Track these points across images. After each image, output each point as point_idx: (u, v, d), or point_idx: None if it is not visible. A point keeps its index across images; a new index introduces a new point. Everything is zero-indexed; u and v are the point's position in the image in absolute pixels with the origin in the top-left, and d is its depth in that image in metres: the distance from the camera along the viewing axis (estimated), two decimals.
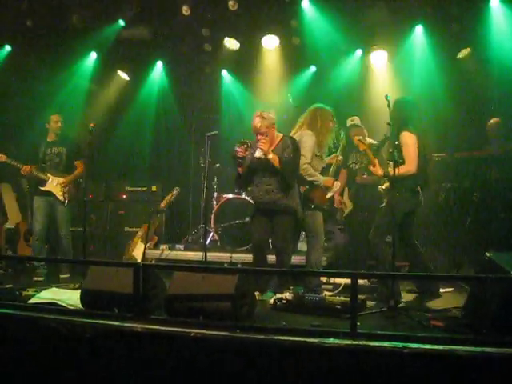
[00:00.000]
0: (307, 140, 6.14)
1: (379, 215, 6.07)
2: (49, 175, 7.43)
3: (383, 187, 6.15)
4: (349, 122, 7.63)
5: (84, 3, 8.33)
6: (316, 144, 6.20)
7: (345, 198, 7.86)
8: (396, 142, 5.68)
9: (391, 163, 5.56)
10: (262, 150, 5.81)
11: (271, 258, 6.39)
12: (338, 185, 6.45)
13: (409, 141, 5.85)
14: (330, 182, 6.31)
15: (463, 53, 8.52)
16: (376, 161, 5.98)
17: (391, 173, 5.60)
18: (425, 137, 6.02)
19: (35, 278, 7.19)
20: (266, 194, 6.03)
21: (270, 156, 5.83)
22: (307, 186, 6.20)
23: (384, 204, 6.20)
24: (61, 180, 7.43)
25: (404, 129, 5.89)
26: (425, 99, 7.61)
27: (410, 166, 5.80)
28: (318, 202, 6.20)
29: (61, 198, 7.39)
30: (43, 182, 7.42)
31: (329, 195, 6.33)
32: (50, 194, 7.42)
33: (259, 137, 5.90)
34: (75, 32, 8.61)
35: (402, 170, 5.75)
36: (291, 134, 6.30)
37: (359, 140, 6.17)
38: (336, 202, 7.75)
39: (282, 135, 6.16)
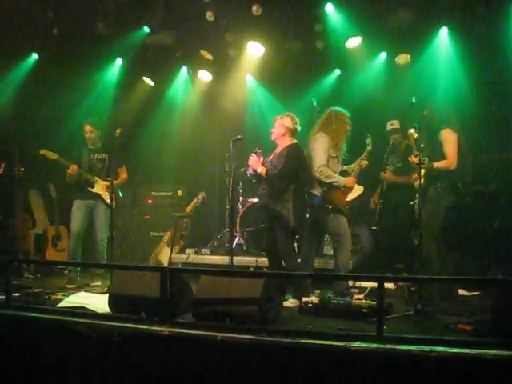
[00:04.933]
0: (319, 142, 6.20)
1: (424, 214, 5.96)
2: (96, 178, 7.53)
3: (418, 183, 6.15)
4: (388, 127, 7.65)
5: (109, 10, 8.40)
6: (330, 146, 6.19)
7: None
8: (422, 145, 5.70)
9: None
10: (250, 166, 6.39)
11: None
12: (360, 189, 6.41)
13: (450, 137, 6.03)
14: (351, 182, 6.26)
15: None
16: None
17: (432, 166, 5.87)
18: (463, 136, 6.09)
19: (68, 285, 7.25)
20: (260, 197, 6.44)
21: (259, 170, 6.20)
22: (325, 188, 6.14)
23: (416, 201, 6.23)
24: (106, 184, 7.50)
25: (445, 126, 6.06)
26: (450, 102, 7.55)
27: (450, 162, 5.95)
28: (337, 204, 6.14)
29: (108, 200, 7.41)
30: (91, 184, 7.51)
31: (349, 198, 6.29)
32: (95, 197, 7.52)
33: (251, 155, 6.33)
34: (101, 39, 8.68)
35: (442, 164, 5.92)
36: (309, 138, 6.41)
37: (411, 133, 6.10)
38: (371, 204, 7.79)
39: (289, 144, 6.29)
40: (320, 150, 6.14)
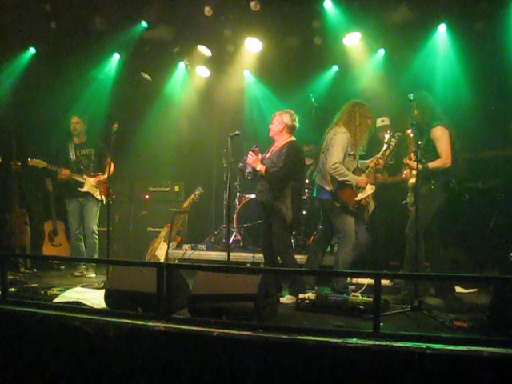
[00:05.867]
0: (339, 138, 6.04)
1: (415, 210, 5.92)
2: (85, 177, 7.58)
3: (410, 182, 6.13)
4: (379, 123, 7.57)
5: (107, 5, 8.37)
6: (350, 142, 6.06)
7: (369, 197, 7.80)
8: (420, 142, 5.66)
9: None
10: (249, 165, 6.34)
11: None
12: (372, 188, 6.24)
13: (442, 135, 5.95)
14: (363, 182, 6.10)
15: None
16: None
17: (427, 167, 5.81)
18: (455, 132, 6.05)
19: (76, 273, 7.67)
20: (258, 193, 6.35)
21: (258, 168, 6.17)
22: (336, 185, 6.03)
23: (408, 199, 6.22)
24: (95, 180, 7.58)
25: (436, 124, 5.98)
26: (448, 98, 7.55)
27: (445, 160, 5.90)
28: (345, 203, 6.04)
29: (98, 197, 7.60)
30: (81, 184, 7.61)
31: (359, 197, 6.12)
32: (85, 195, 7.65)
33: (249, 153, 6.26)
34: (98, 34, 8.65)
35: (438, 163, 5.87)
36: (327, 131, 6.29)
37: (408, 133, 6.04)
38: (362, 200, 7.67)
39: (288, 140, 6.27)
40: (338, 146, 5.99)
